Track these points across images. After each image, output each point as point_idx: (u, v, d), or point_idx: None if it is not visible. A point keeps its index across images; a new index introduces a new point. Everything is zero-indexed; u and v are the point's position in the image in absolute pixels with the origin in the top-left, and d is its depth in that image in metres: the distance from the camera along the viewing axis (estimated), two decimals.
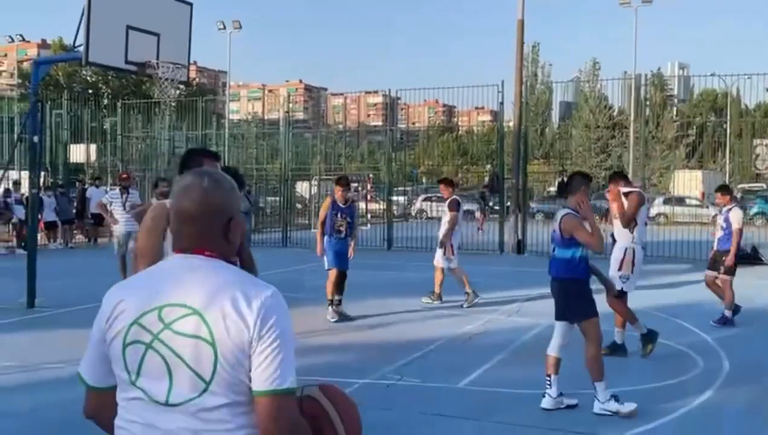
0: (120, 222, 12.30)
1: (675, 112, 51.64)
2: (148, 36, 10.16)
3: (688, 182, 31.33)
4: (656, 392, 6.48)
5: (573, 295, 5.93)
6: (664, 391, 6.54)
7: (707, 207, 32.44)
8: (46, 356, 7.59)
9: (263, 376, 1.79)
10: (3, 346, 8.34)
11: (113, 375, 1.93)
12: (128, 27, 9.87)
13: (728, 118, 46.34)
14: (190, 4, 11.17)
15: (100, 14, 9.51)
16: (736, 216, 9.86)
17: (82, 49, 9.51)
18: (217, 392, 1.81)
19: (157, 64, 10.11)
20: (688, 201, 32.06)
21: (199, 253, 1.93)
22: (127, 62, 9.93)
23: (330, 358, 7.73)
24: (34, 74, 10.14)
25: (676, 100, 62.34)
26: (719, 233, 10.10)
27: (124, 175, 13.42)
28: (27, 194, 19.16)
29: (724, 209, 10.13)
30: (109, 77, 51.93)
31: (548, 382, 5.96)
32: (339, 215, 9.86)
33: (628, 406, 5.73)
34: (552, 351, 6.03)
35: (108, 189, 19.08)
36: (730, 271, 9.85)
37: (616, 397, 5.79)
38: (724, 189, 10.49)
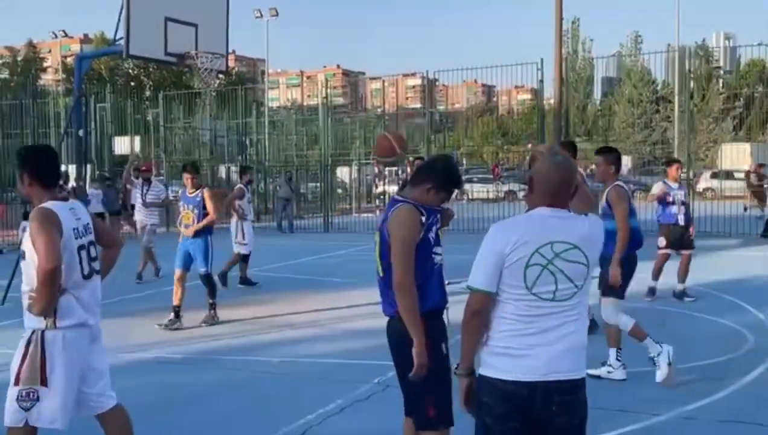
0: (138, 214, 12.38)
1: (721, 84, 50.37)
2: (186, 27, 10.26)
3: (736, 155, 30.56)
4: (706, 369, 6.39)
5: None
6: (715, 368, 6.45)
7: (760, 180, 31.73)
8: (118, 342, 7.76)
9: None
10: None
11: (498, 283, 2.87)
12: (166, 19, 9.97)
13: None
14: None
15: (139, 7, 9.63)
16: None
17: (122, 42, 9.65)
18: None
19: (196, 54, 10.20)
20: (736, 175, 31.33)
21: (561, 207, 2.92)
22: (166, 54, 10.04)
23: (377, 340, 7.75)
24: (77, 69, 10.31)
25: (722, 72, 60.79)
26: None
27: (144, 168, 13.34)
28: (72, 186, 19.61)
29: None
30: (151, 69, 52.62)
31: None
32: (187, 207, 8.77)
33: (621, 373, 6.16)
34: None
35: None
36: None
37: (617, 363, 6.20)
38: None
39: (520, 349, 2.83)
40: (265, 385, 6.41)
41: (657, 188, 10.10)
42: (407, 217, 3.61)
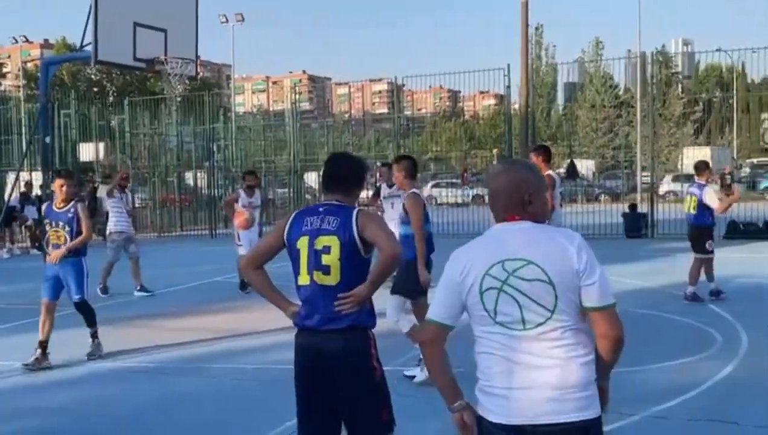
0: (121, 223, 11.85)
1: (681, 89, 51.34)
2: (156, 32, 10.19)
3: (696, 159, 31.17)
4: (677, 369, 6.51)
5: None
6: (685, 367, 6.58)
7: (716, 183, 32.39)
8: (79, 353, 7.69)
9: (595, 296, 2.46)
10: (32, 344, 8.42)
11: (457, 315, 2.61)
12: (135, 24, 9.90)
13: (734, 93, 46.12)
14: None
15: (107, 13, 9.55)
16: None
17: (90, 48, 9.55)
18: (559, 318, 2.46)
19: (166, 60, 10.13)
20: (696, 179, 31.94)
21: (512, 218, 2.58)
22: (135, 59, 9.96)
23: None
24: (44, 75, 10.18)
25: (681, 77, 61.93)
26: None
27: (124, 176, 13.01)
28: (39, 194, 19.31)
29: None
30: (114, 75, 51.99)
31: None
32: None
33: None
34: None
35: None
36: None
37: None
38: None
39: (503, 389, 2.47)
40: (245, 392, 6.38)
41: (715, 194, 10.07)
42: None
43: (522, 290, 2.44)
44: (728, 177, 24.15)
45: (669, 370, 6.47)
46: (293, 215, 3.69)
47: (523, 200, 2.55)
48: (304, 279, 3.57)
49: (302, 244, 3.55)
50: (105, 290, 11.55)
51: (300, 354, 3.64)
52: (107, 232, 11.82)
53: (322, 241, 3.51)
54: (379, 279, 3.61)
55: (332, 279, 3.51)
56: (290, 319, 3.70)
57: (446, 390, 2.60)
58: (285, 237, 3.61)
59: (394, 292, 6.44)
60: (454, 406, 2.57)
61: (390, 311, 6.39)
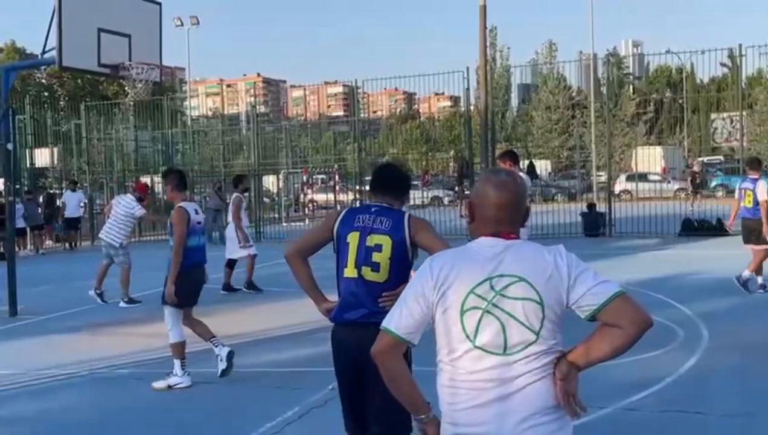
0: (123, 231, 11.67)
1: (632, 90, 52.40)
2: (120, 38, 10.12)
3: (649, 158, 31.89)
4: (643, 363, 6.72)
5: None
6: (651, 362, 6.79)
7: (669, 182, 33.15)
8: (40, 362, 7.61)
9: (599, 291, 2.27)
10: None
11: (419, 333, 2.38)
12: (99, 29, 9.82)
13: (684, 93, 47.23)
14: (159, 4, 11.13)
15: (71, 17, 9.45)
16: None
17: (53, 53, 9.44)
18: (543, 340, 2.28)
19: (131, 65, 10.07)
20: (650, 177, 32.66)
21: (506, 236, 2.38)
22: (100, 65, 9.88)
23: (322, 348, 7.83)
24: (5, 81, 10.01)
25: (632, 78, 63.20)
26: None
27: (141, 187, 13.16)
28: None
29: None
30: (65, 78, 51.01)
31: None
32: None
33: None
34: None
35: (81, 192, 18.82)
36: None
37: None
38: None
39: (475, 425, 2.27)
40: (220, 396, 6.41)
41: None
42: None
43: (509, 311, 2.26)
44: (698, 176, 24.89)
45: (636, 364, 6.67)
46: (344, 212, 3.85)
47: (518, 217, 2.42)
48: (350, 272, 3.67)
49: (352, 238, 3.67)
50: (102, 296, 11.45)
51: (339, 345, 3.75)
52: (120, 241, 11.41)
53: (374, 239, 3.65)
54: None
55: (380, 276, 3.63)
56: (323, 314, 3.81)
57: (412, 400, 2.43)
58: (335, 230, 3.73)
59: (163, 303, 6.72)
60: (421, 418, 2.43)
61: (166, 321, 6.74)
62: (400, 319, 2.35)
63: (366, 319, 3.59)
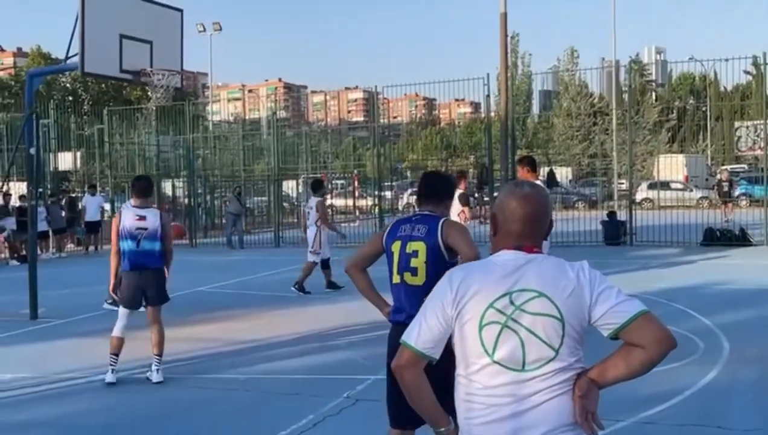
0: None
1: (654, 97, 52.01)
2: (141, 44, 10.21)
3: (671, 166, 31.63)
4: (661, 375, 6.63)
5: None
6: (670, 374, 6.70)
7: (691, 190, 32.84)
8: (59, 366, 7.66)
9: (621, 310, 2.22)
10: (13, 357, 8.39)
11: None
12: (121, 36, 9.90)
13: (708, 101, 46.81)
14: (180, 11, 11.21)
15: (94, 24, 9.54)
16: None
17: (76, 59, 9.54)
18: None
19: (152, 71, 10.15)
20: (672, 185, 32.38)
21: (529, 250, 2.34)
22: (122, 71, 9.96)
23: (339, 355, 7.85)
24: (29, 86, 10.12)
25: (654, 85, 62.74)
26: None
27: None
28: (18, 205, 19.12)
29: None
30: (89, 83, 51.56)
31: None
32: None
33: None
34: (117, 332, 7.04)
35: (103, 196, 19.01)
36: None
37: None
38: None
39: None
40: (236, 403, 6.42)
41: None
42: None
43: (529, 327, 2.23)
44: (725, 184, 24.50)
45: (654, 376, 6.52)
46: (391, 224, 4.22)
47: (542, 230, 2.40)
48: (396, 278, 4.04)
49: (396, 247, 4.05)
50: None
51: (389, 344, 3.97)
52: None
53: (412, 246, 3.99)
54: None
55: (419, 280, 3.94)
56: (385, 317, 4.12)
57: (431, 414, 2.41)
58: (383, 241, 4.14)
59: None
60: (441, 431, 2.42)
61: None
62: (420, 333, 2.33)
63: (408, 320, 3.83)
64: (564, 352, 2.23)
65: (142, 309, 7.22)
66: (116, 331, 7.04)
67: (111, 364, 6.98)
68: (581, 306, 2.24)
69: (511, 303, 2.24)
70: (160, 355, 7.03)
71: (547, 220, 2.43)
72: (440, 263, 3.88)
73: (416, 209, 4.22)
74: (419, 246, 3.97)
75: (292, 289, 11.99)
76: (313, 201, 12.50)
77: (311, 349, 8.24)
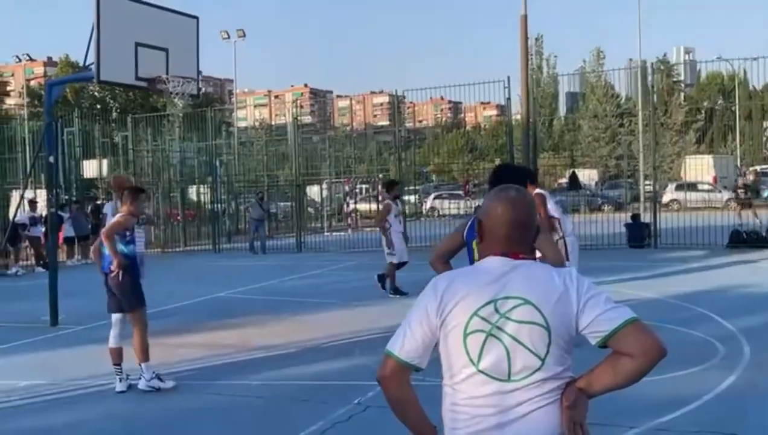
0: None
1: (683, 98, 51.39)
2: (157, 51, 10.28)
3: (699, 168, 31.19)
4: (678, 380, 6.51)
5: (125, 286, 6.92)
6: (687, 379, 6.58)
7: (719, 191, 32.35)
8: (75, 373, 7.71)
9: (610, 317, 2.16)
10: (30, 364, 8.47)
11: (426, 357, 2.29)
12: (137, 44, 9.98)
13: (736, 101, 46.14)
14: (196, 18, 11.27)
15: (109, 32, 9.62)
16: None
17: (93, 67, 9.62)
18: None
19: (167, 79, 10.20)
20: (700, 186, 31.94)
21: (515, 256, 2.29)
22: (137, 78, 10.03)
23: (352, 361, 7.81)
24: (48, 95, 10.24)
25: (683, 86, 62.00)
26: None
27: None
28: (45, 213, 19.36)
29: None
30: (117, 92, 52.22)
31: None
32: None
33: (169, 383, 6.87)
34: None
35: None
36: None
37: (159, 376, 6.89)
38: None
39: None
40: (246, 410, 6.40)
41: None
42: None
43: (514, 335, 2.16)
44: (741, 191, 23.96)
45: (670, 381, 6.47)
46: (471, 219, 4.21)
47: (528, 237, 2.33)
48: None
49: (476, 244, 4.06)
50: None
51: None
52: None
53: None
54: None
55: None
56: None
57: (417, 426, 2.33)
58: (464, 237, 4.23)
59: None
60: None
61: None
62: (404, 343, 2.27)
63: None
64: (550, 361, 2.17)
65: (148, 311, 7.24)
66: (111, 342, 7.06)
67: (117, 374, 6.99)
68: (568, 314, 2.18)
69: (496, 311, 2.18)
70: (141, 362, 6.94)
71: (534, 225, 2.36)
72: None
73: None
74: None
75: (390, 295, 11.82)
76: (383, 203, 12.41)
77: (324, 355, 8.21)
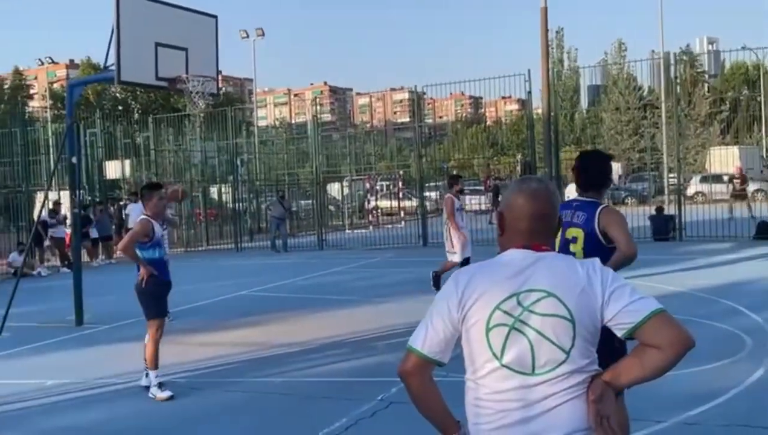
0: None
1: (707, 89, 50.75)
2: (177, 51, 10.31)
3: (724, 159, 30.77)
4: (706, 374, 6.42)
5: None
6: (714, 373, 6.48)
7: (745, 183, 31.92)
8: (101, 372, 7.76)
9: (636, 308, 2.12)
10: (57, 363, 8.54)
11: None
12: (157, 44, 10.01)
13: (761, 90, 45.49)
14: (215, 17, 11.30)
15: (129, 33, 9.66)
16: None
17: (113, 68, 9.67)
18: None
19: (187, 78, 10.23)
20: (725, 178, 31.53)
21: (537, 248, 2.26)
22: (157, 78, 10.07)
23: (375, 358, 7.79)
24: (69, 96, 10.32)
25: (707, 76, 61.25)
26: None
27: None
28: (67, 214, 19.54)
29: None
30: (138, 92, 52.63)
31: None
32: None
33: (167, 393, 6.66)
34: None
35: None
36: None
37: (161, 384, 6.73)
38: None
39: None
40: (269, 407, 6.41)
41: None
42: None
43: (537, 328, 2.13)
44: (737, 181, 23.65)
45: (698, 375, 6.38)
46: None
47: (551, 228, 2.31)
48: None
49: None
50: None
51: None
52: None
53: (571, 232, 4.18)
54: (612, 268, 4.15)
55: None
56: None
57: (440, 421, 2.29)
58: None
59: None
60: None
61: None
62: (426, 338, 2.24)
63: None
64: (575, 354, 2.14)
65: (171, 319, 7.22)
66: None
67: (157, 377, 6.88)
68: (593, 305, 2.14)
69: (519, 304, 2.15)
70: (148, 368, 6.87)
71: (557, 216, 2.33)
72: (598, 249, 4.01)
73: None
74: (578, 232, 4.15)
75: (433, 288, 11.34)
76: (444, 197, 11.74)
77: (347, 352, 8.20)
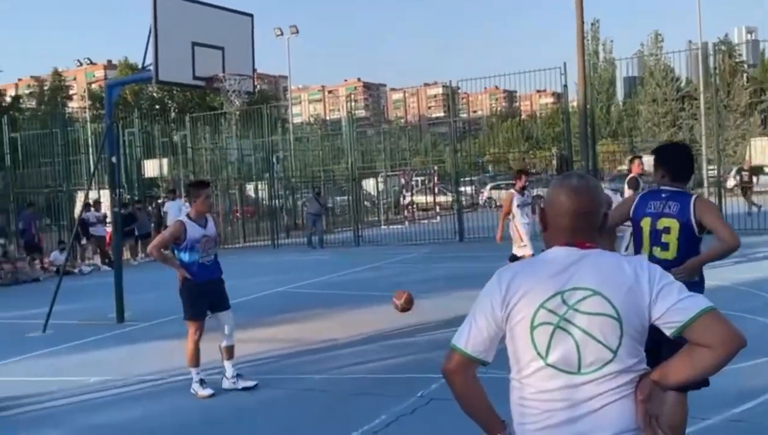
0: None
1: (746, 79, 49.76)
2: (213, 50, 10.40)
3: (766, 150, 30.16)
4: (749, 370, 6.30)
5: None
6: (759, 369, 6.36)
7: None
8: (141, 369, 7.87)
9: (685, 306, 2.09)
10: (99, 360, 8.68)
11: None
12: (193, 43, 10.11)
13: None
14: (251, 16, 11.38)
15: (166, 33, 9.77)
16: None
17: (151, 68, 9.79)
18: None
19: (224, 77, 10.32)
20: (766, 169, 30.92)
21: (581, 245, 2.23)
22: (195, 78, 10.17)
23: (415, 354, 7.79)
24: (108, 97, 10.48)
25: (746, 66, 60.07)
26: None
27: None
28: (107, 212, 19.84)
29: None
30: (175, 92, 53.20)
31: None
32: None
33: (208, 391, 6.73)
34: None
35: (184, 201, 19.52)
36: None
37: (202, 381, 6.81)
38: None
39: None
40: (307, 403, 6.44)
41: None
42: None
43: (583, 327, 2.10)
44: (745, 173, 23.17)
45: (742, 371, 6.25)
46: (638, 198, 4.46)
47: (594, 225, 2.25)
48: (645, 251, 4.28)
49: (645, 223, 4.29)
50: None
51: None
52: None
53: (664, 222, 4.24)
54: (710, 258, 4.30)
55: (670, 254, 4.21)
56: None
57: (484, 420, 2.27)
58: (631, 213, 4.40)
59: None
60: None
61: None
62: (469, 336, 2.23)
63: None
64: (623, 353, 2.11)
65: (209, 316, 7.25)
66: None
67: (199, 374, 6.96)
68: (640, 304, 2.11)
69: (564, 302, 2.13)
70: (188, 365, 6.94)
71: (601, 212, 2.27)
72: (691, 240, 4.18)
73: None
74: (672, 223, 4.21)
75: None
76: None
77: (386, 348, 8.20)
